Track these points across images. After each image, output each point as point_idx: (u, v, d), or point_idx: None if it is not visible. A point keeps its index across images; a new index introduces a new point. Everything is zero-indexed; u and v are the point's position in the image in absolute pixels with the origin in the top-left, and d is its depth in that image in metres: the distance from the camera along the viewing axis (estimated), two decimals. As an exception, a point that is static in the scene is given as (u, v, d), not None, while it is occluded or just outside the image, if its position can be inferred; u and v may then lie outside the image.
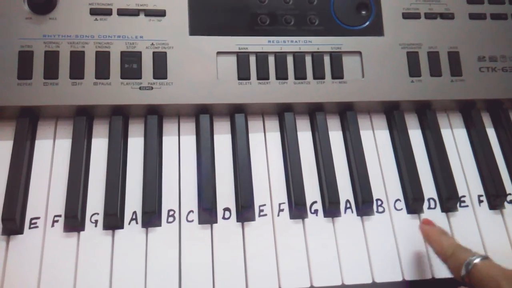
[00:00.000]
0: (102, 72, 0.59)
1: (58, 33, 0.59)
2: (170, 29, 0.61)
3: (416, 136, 0.65)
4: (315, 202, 0.59)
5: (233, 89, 0.61)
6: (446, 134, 0.65)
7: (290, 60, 0.63)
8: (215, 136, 0.62)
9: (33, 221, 0.54)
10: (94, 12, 0.60)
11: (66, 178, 0.56)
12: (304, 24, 0.65)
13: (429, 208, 0.61)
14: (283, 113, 0.63)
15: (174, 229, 0.56)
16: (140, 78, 0.59)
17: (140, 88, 0.59)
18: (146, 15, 0.61)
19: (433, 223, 0.57)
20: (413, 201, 0.59)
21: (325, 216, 0.58)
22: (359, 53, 0.65)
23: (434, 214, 0.60)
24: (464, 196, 0.62)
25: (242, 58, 0.62)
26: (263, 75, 0.62)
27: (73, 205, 0.54)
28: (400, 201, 0.61)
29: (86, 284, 0.52)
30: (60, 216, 0.55)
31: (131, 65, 0.60)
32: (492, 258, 0.48)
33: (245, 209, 0.57)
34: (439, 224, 0.59)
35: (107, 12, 0.61)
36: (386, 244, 0.58)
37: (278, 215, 0.58)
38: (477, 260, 0.48)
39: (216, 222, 0.57)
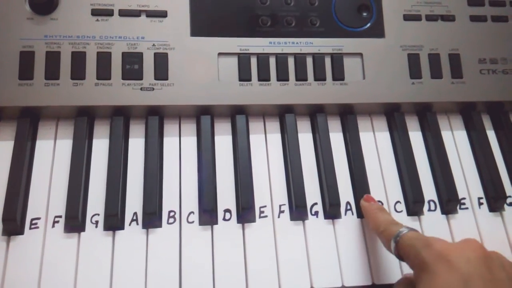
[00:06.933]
0: (103, 73, 0.59)
1: (59, 34, 0.59)
2: (171, 30, 0.61)
3: (416, 138, 0.65)
4: (316, 203, 0.59)
5: (234, 90, 0.61)
6: (446, 136, 0.66)
7: (291, 61, 0.63)
8: (215, 137, 0.62)
9: (34, 221, 0.54)
10: (95, 12, 0.60)
11: (67, 179, 0.56)
12: (305, 26, 0.65)
13: (429, 210, 0.61)
14: (284, 114, 0.63)
15: (174, 230, 0.56)
16: (141, 79, 0.59)
17: (141, 89, 0.59)
18: (147, 16, 0.61)
19: (374, 200, 0.58)
20: (413, 203, 0.60)
21: (325, 218, 0.58)
22: (360, 54, 0.65)
23: (434, 216, 0.60)
24: (464, 199, 0.62)
25: (243, 59, 0.62)
26: (264, 77, 0.62)
27: (73, 206, 0.54)
28: (400, 203, 0.61)
29: (87, 285, 0.52)
30: (60, 216, 0.55)
31: (132, 66, 0.60)
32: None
33: (245, 211, 0.57)
34: (439, 226, 0.59)
35: (109, 13, 0.61)
36: (386, 246, 0.58)
37: (279, 217, 0.58)
38: (403, 232, 0.49)
39: (216, 223, 0.57)
